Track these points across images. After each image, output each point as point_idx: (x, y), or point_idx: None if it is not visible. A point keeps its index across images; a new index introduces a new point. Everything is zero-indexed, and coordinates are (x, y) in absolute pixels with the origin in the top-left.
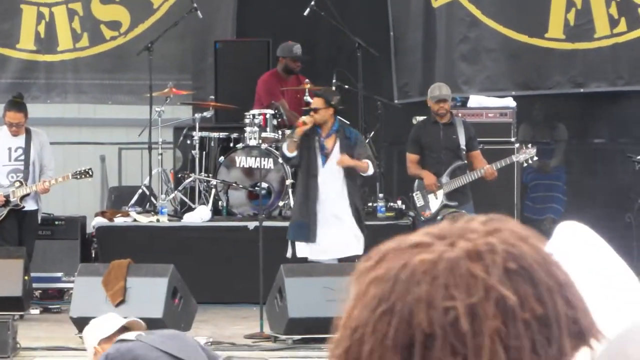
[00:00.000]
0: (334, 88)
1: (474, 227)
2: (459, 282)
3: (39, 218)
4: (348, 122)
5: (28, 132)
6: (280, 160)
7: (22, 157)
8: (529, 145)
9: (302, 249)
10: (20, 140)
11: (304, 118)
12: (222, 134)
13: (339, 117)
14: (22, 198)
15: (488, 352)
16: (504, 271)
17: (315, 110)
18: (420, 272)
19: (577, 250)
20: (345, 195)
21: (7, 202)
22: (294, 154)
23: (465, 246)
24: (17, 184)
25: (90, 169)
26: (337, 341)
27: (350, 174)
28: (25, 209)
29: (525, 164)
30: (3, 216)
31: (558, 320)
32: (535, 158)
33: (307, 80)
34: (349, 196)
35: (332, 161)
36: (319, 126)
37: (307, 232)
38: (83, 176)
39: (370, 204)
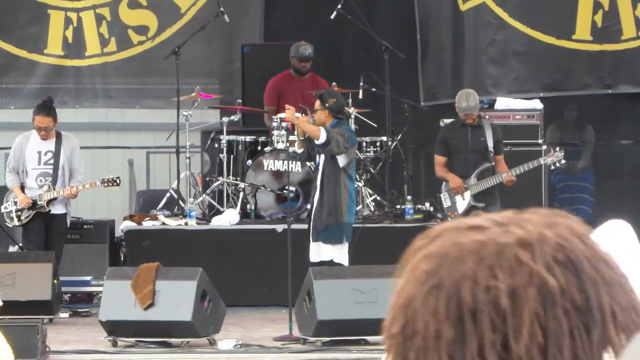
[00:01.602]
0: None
1: (532, 218)
2: (504, 265)
3: (68, 222)
4: (351, 125)
5: (59, 137)
6: (308, 163)
7: (52, 161)
8: (557, 148)
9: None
10: (51, 144)
11: (301, 117)
12: (250, 138)
13: (344, 121)
14: (50, 202)
15: (527, 332)
16: (550, 260)
17: (314, 111)
18: (468, 250)
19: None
20: (319, 197)
21: (34, 205)
22: (301, 150)
23: (518, 233)
24: (46, 187)
25: (118, 177)
26: (392, 320)
27: (330, 178)
28: (54, 212)
29: (552, 167)
30: (29, 219)
31: (600, 311)
32: (563, 161)
33: (334, 83)
34: (319, 200)
35: (322, 160)
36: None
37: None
38: (111, 184)
39: (398, 206)
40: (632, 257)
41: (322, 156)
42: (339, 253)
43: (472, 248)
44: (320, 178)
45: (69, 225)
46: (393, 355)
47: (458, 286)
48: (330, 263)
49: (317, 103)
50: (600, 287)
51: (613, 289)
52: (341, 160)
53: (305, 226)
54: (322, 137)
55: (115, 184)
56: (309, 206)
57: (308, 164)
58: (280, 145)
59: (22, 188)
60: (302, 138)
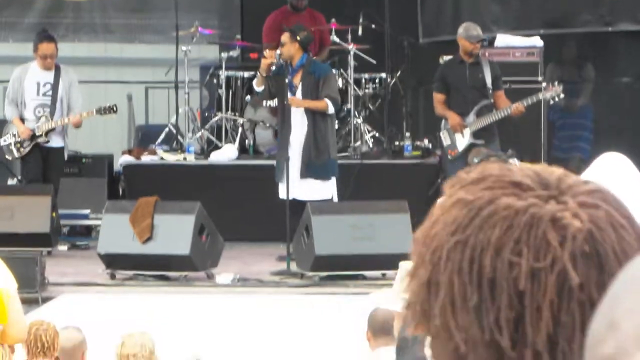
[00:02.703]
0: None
1: (577, 191)
2: (531, 242)
3: (65, 155)
4: (323, 61)
5: (57, 69)
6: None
7: (50, 93)
8: (556, 83)
9: (280, 190)
10: (49, 76)
11: (266, 52)
12: (249, 73)
13: (311, 55)
14: (47, 133)
15: (539, 319)
16: (577, 251)
17: (282, 45)
18: (501, 216)
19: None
20: (309, 133)
21: (33, 136)
22: (261, 88)
23: (555, 209)
24: (44, 118)
25: (114, 105)
26: (419, 262)
27: (316, 112)
28: (51, 145)
29: (552, 102)
30: (28, 151)
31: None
32: (562, 96)
33: (333, 19)
34: (308, 136)
35: (298, 97)
36: (290, 62)
37: (280, 173)
38: (107, 112)
39: (396, 143)
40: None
41: (299, 92)
42: (333, 189)
43: (505, 214)
44: (306, 113)
45: (66, 158)
46: (412, 299)
47: (482, 251)
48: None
49: (287, 36)
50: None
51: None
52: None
53: None
54: (331, 108)
55: (112, 111)
56: (292, 142)
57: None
58: None
59: (22, 120)
60: (264, 75)
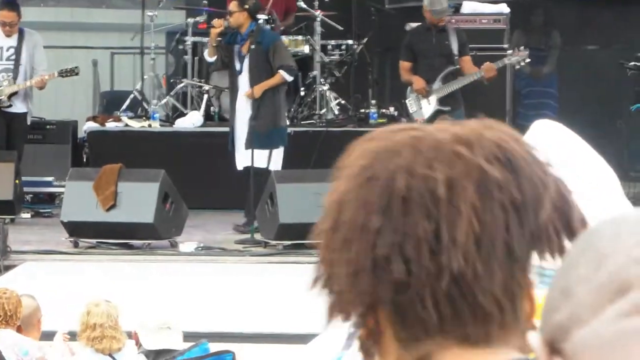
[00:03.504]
0: None
1: (469, 123)
2: (441, 157)
3: (29, 120)
4: (269, 27)
5: (21, 33)
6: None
7: (14, 57)
8: (521, 48)
9: (236, 160)
10: (13, 41)
11: (214, 21)
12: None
13: (260, 23)
14: (10, 97)
15: (463, 222)
16: (489, 156)
17: (230, 13)
18: (405, 144)
19: (554, 145)
20: (254, 103)
21: None
22: (213, 58)
23: (455, 131)
24: (6, 82)
25: (76, 67)
26: (323, 217)
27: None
28: (14, 111)
29: (517, 67)
30: None
31: (535, 209)
32: (528, 60)
33: None
34: (252, 106)
35: (246, 66)
36: (238, 31)
37: (230, 142)
38: (69, 74)
39: (362, 110)
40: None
41: (247, 61)
42: (277, 158)
43: (409, 142)
44: (251, 83)
45: (29, 123)
46: (320, 252)
47: (393, 177)
48: (262, 169)
49: (234, 4)
50: (539, 186)
51: (548, 190)
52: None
53: None
54: (288, 77)
55: (74, 73)
56: (237, 111)
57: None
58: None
59: None
60: (214, 45)
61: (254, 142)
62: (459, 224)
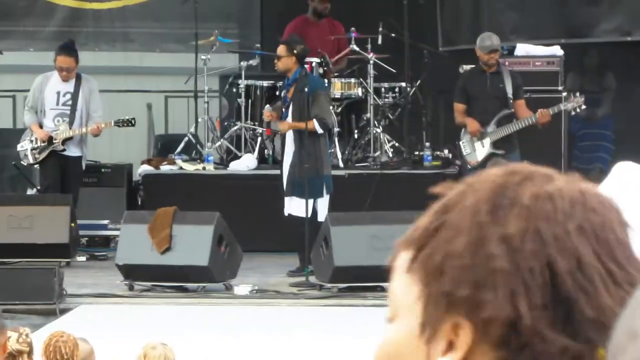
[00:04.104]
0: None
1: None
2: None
3: (84, 165)
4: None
5: (78, 78)
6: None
7: (70, 102)
8: (577, 94)
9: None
10: (70, 86)
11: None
12: (268, 82)
13: (306, 69)
14: (65, 142)
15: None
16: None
17: (278, 57)
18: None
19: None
20: (295, 152)
21: (50, 141)
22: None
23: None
24: (63, 126)
25: (133, 118)
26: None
27: (303, 131)
28: (69, 154)
29: (573, 113)
30: (44, 157)
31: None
32: (584, 107)
33: (353, 29)
34: (294, 154)
35: (290, 112)
36: (286, 75)
37: (282, 187)
38: (126, 124)
39: (416, 153)
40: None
41: (291, 107)
42: (321, 207)
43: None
44: (294, 131)
45: (84, 168)
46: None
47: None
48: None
49: (283, 48)
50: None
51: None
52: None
53: None
54: (319, 129)
55: (130, 124)
56: (286, 160)
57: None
58: None
59: (40, 126)
60: (281, 129)
61: (294, 190)
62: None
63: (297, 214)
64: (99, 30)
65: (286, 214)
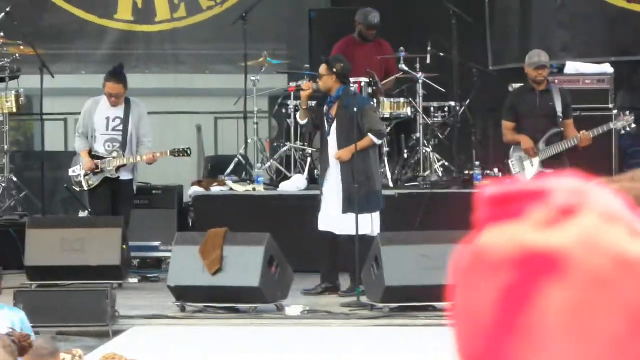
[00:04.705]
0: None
1: None
2: None
3: (135, 188)
4: (351, 89)
5: (127, 103)
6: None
7: (120, 127)
8: (627, 113)
9: (319, 221)
10: (119, 111)
11: (304, 84)
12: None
13: (349, 86)
14: (118, 169)
15: None
16: None
17: (320, 76)
18: None
19: None
20: (347, 168)
21: (102, 170)
22: (305, 121)
23: None
24: (115, 154)
25: (188, 148)
26: None
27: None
28: (121, 178)
29: (622, 132)
30: (96, 184)
31: None
32: (634, 126)
33: (402, 48)
34: (346, 170)
35: (334, 129)
36: (328, 94)
37: (318, 206)
38: (181, 154)
39: (466, 172)
40: None
41: (335, 125)
42: (376, 222)
43: None
44: (338, 145)
45: (135, 190)
46: None
47: None
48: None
49: (324, 68)
50: None
51: None
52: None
53: None
54: (377, 141)
55: (186, 154)
56: (328, 176)
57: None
58: None
59: (90, 152)
60: (304, 107)
61: (350, 207)
62: None
63: (350, 232)
64: (150, 53)
65: (322, 228)
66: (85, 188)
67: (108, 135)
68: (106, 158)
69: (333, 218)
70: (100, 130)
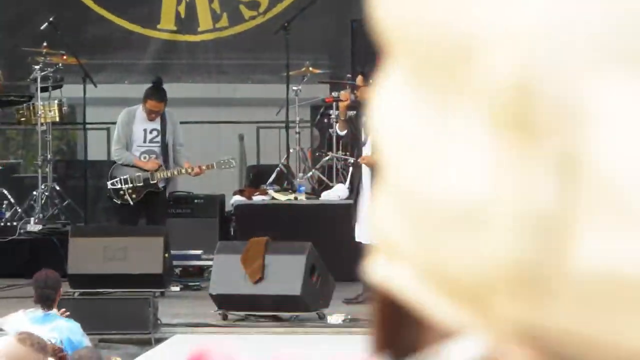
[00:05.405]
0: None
1: None
2: None
3: (167, 193)
4: None
5: (162, 114)
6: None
7: (157, 139)
8: None
9: (356, 231)
10: (156, 123)
11: (341, 94)
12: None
13: None
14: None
15: None
16: None
17: (357, 87)
18: None
19: None
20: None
21: (147, 184)
22: (344, 132)
23: None
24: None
25: (233, 159)
26: None
27: None
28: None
29: None
30: (141, 197)
31: None
32: None
33: None
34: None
35: (369, 140)
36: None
37: (355, 214)
38: (226, 166)
39: None
40: None
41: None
42: None
43: None
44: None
45: (174, 198)
46: None
47: None
48: None
49: (360, 79)
50: None
51: None
52: None
53: None
54: None
55: (230, 166)
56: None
57: None
58: None
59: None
60: (343, 118)
61: None
62: None
63: None
64: (192, 62)
65: (360, 240)
66: (130, 202)
67: (145, 147)
68: (148, 173)
69: (365, 227)
70: (138, 141)
